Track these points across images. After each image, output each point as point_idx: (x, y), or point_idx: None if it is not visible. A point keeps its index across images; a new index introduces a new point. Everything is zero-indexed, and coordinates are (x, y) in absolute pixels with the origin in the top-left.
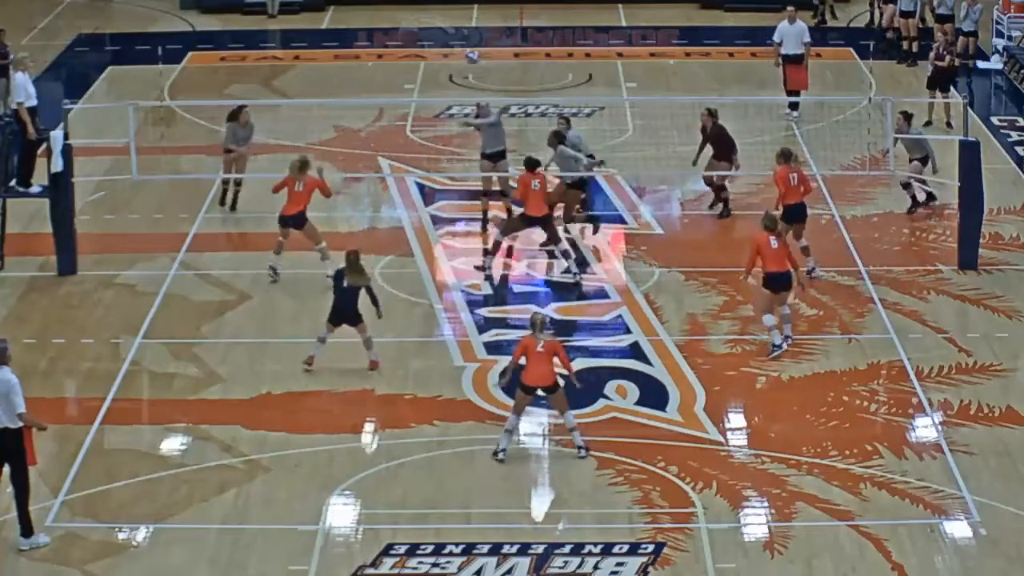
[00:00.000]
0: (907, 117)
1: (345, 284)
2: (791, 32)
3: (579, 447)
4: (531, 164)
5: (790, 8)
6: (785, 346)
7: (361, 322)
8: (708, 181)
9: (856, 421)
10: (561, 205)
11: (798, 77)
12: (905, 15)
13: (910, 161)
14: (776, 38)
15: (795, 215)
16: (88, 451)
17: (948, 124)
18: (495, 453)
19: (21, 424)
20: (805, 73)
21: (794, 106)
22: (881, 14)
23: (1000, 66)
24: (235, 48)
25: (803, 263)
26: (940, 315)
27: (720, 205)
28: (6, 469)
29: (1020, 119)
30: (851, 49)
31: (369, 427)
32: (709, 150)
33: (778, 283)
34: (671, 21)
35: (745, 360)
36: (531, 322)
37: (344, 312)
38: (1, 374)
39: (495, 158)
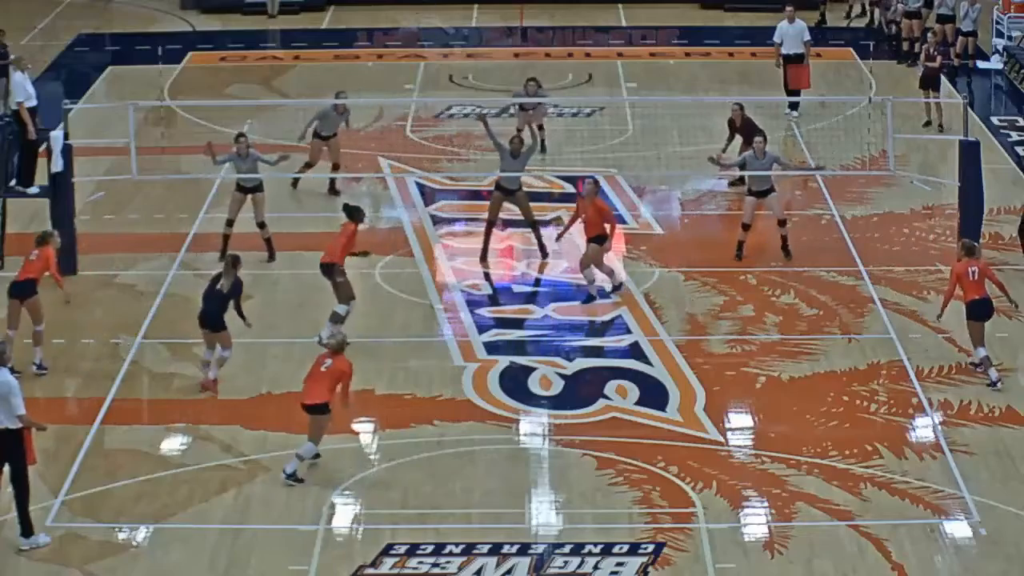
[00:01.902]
0: (764, 139)
1: (218, 286)
2: (791, 32)
3: (289, 474)
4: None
5: (789, 8)
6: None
7: (223, 331)
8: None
9: (856, 421)
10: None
11: (799, 76)
12: (909, 15)
13: (752, 193)
14: (776, 38)
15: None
16: (88, 451)
17: (940, 127)
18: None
19: (21, 425)
20: (806, 72)
21: (794, 106)
22: (882, 14)
23: (1000, 66)
24: (235, 48)
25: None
26: None
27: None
28: (6, 469)
29: (1020, 119)
30: (851, 49)
31: (369, 427)
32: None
33: (604, 239)
34: (671, 21)
35: (745, 360)
36: (336, 343)
37: (206, 315)
38: (0, 375)
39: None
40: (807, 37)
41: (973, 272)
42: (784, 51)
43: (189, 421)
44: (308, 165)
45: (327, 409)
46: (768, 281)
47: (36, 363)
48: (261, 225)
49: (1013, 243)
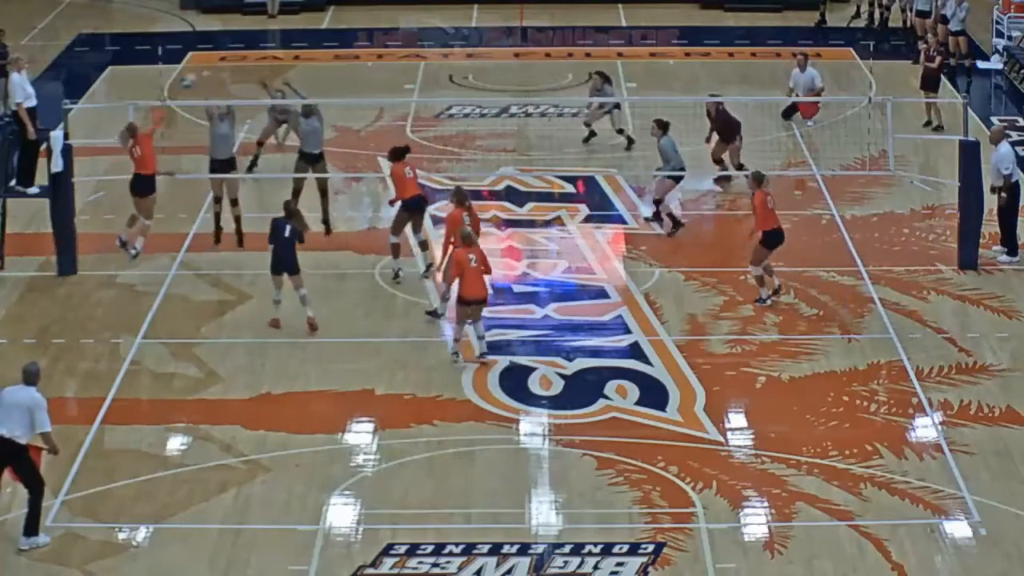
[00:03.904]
0: (661, 125)
1: (287, 234)
2: (802, 80)
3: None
4: (399, 154)
5: (799, 56)
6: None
7: (298, 272)
8: (716, 160)
9: (856, 421)
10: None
11: (806, 109)
12: (921, 15)
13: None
14: (791, 84)
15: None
16: (88, 451)
17: (938, 127)
18: (454, 354)
19: (27, 441)
20: (813, 108)
21: (787, 115)
22: (882, 13)
23: (1000, 66)
24: (235, 48)
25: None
26: (940, 315)
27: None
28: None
29: (1020, 119)
30: (851, 49)
31: (369, 427)
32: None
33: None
34: (671, 21)
35: (745, 360)
36: (462, 235)
37: (283, 260)
38: (28, 392)
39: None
40: (819, 84)
41: (771, 200)
42: (796, 93)
43: (189, 421)
44: (259, 143)
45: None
46: None
47: (125, 243)
48: (234, 202)
49: None
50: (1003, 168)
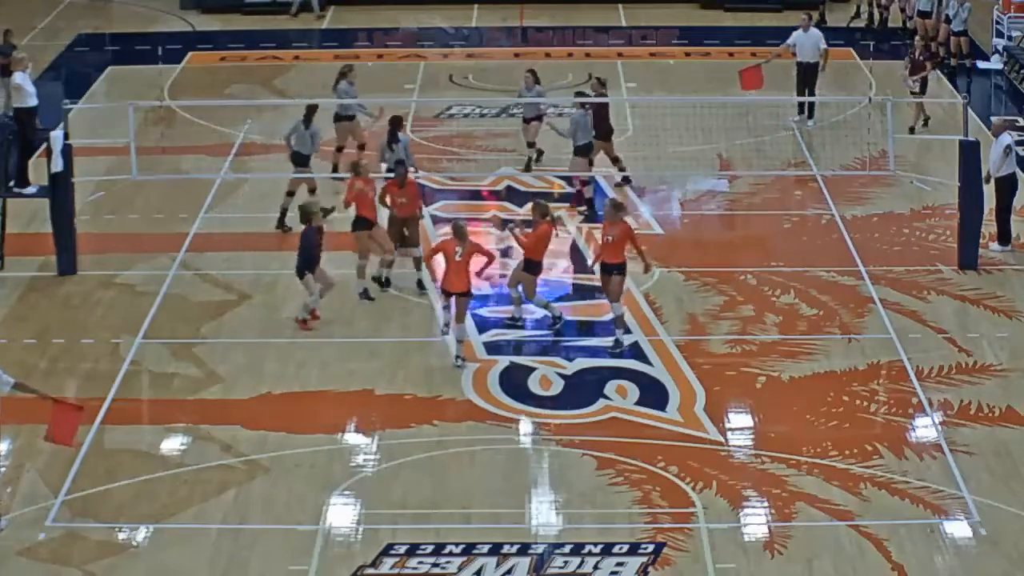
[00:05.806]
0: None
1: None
2: (806, 40)
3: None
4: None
5: (804, 16)
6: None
7: (302, 277)
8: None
9: (856, 421)
10: None
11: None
12: (923, 15)
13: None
14: (790, 41)
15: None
16: (88, 451)
17: (912, 128)
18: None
19: None
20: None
21: (802, 109)
22: (882, 13)
23: (1000, 66)
24: (235, 48)
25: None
26: (940, 315)
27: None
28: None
29: (1020, 119)
30: (851, 49)
31: (369, 427)
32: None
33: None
34: (671, 21)
35: (745, 360)
36: (454, 227)
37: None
38: None
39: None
40: (823, 45)
41: (609, 238)
42: (799, 59)
43: (189, 421)
44: (339, 149)
45: (471, 293)
46: (768, 281)
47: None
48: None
49: (1013, 243)
50: (1003, 151)
